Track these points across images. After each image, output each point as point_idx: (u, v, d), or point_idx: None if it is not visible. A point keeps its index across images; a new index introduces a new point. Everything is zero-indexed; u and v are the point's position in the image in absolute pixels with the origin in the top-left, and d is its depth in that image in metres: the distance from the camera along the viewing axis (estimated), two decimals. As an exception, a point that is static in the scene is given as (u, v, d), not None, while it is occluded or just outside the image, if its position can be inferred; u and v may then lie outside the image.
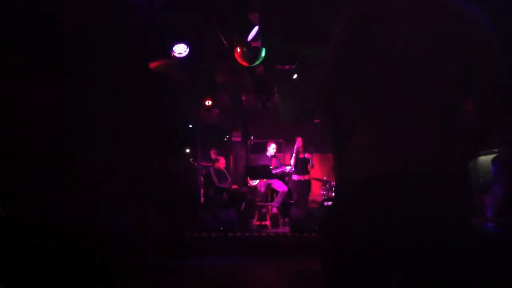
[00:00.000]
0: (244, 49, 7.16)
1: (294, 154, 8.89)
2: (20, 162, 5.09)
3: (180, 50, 7.50)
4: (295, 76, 8.64)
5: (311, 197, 9.05)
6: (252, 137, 10.54)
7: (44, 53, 5.50)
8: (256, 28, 6.74)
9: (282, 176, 8.91)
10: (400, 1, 1.55)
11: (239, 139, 10.52)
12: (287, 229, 7.81)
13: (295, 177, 8.83)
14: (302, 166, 8.79)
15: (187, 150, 9.37)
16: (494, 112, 1.52)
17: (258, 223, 8.40)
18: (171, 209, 6.80)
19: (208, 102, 9.43)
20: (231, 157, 10.66)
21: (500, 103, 1.51)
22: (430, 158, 1.44)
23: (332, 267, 1.55)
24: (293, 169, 8.87)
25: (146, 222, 6.08)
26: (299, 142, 8.84)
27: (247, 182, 9.01)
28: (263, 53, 7.30)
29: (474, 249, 1.45)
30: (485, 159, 6.76)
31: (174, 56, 7.53)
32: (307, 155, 8.80)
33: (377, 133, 1.49)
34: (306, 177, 8.76)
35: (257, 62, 7.44)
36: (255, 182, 8.80)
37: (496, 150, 6.70)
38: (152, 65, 7.32)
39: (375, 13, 1.52)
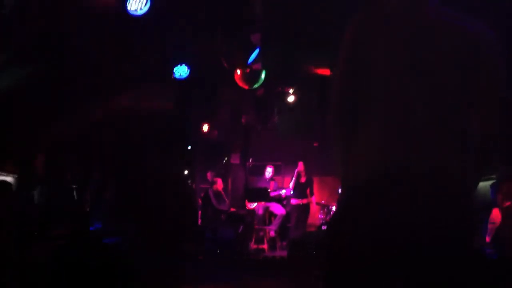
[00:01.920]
0: (245, 71, 7.23)
1: (294, 178, 8.86)
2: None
3: (181, 71, 7.56)
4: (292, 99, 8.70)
5: (309, 221, 8.99)
6: (250, 160, 10.55)
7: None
8: (256, 51, 6.82)
9: (280, 199, 8.87)
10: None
11: (237, 161, 10.51)
12: (284, 253, 7.73)
13: (293, 201, 8.78)
14: (301, 190, 8.75)
15: (185, 172, 9.35)
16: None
17: (255, 246, 8.33)
18: (169, 229, 6.75)
19: (212, 129, 9.50)
20: (229, 180, 10.63)
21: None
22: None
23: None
24: (291, 193, 8.83)
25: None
26: (300, 166, 8.82)
27: (245, 205, 8.97)
28: (263, 76, 7.36)
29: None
30: (484, 184, 6.75)
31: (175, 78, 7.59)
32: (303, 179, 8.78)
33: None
34: (305, 201, 8.70)
35: (257, 85, 7.51)
36: (253, 205, 8.76)
37: (495, 176, 6.70)
38: None
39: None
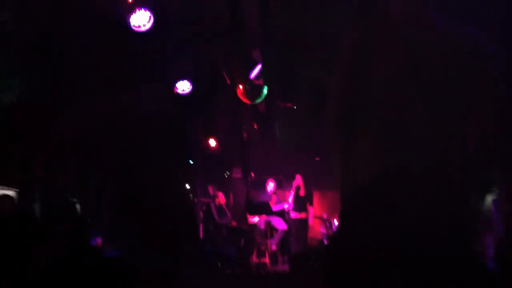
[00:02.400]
0: (247, 86, 7.28)
1: (293, 192, 8.85)
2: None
3: (184, 87, 7.60)
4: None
5: (311, 235, 8.95)
6: (252, 174, 10.54)
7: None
8: (259, 66, 6.88)
9: (282, 214, 8.85)
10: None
11: (239, 175, 10.51)
12: (286, 267, 7.70)
13: (292, 214, 8.74)
14: (300, 203, 8.72)
15: (187, 186, 9.35)
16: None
17: (257, 260, 8.29)
18: (170, 243, 6.75)
19: (213, 142, 9.54)
20: (231, 194, 10.62)
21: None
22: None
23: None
24: (291, 207, 8.81)
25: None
26: (298, 179, 8.81)
27: (247, 219, 8.95)
28: (265, 91, 7.42)
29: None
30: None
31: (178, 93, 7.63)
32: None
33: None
34: (303, 215, 8.65)
35: (259, 100, 7.55)
36: (255, 219, 8.74)
37: (497, 191, 6.70)
38: None
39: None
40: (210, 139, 9.52)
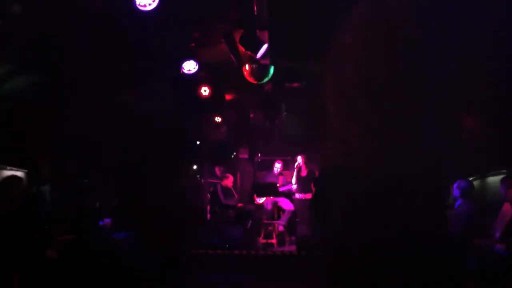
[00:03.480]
0: (253, 66, 7.22)
1: (295, 173, 8.81)
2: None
3: (189, 67, 7.57)
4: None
5: (317, 216, 8.95)
6: (259, 155, 10.54)
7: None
8: (265, 46, 6.80)
9: (289, 194, 8.85)
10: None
11: (246, 156, 10.52)
12: (293, 248, 7.75)
13: (297, 195, 8.73)
14: (304, 184, 8.67)
15: (194, 167, 9.39)
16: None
17: (264, 241, 8.35)
18: (176, 225, 6.80)
19: (218, 119, 9.52)
20: (238, 174, 10.65)
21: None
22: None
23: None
24: (293, 187, 8.80)
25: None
26: (300, 159, 8.75)
27: (253, 200, 8.98)
28: (271, 71, 7.36)
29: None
30: (494, 179, 6.68)
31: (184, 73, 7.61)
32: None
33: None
34: (308, 195, 8.61)
35: (266, 80, 7.50)
36: (262, 200, 8.77)
37: (505, 171, 6.62)
38: None
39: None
40: (217, 117, 9.52)
